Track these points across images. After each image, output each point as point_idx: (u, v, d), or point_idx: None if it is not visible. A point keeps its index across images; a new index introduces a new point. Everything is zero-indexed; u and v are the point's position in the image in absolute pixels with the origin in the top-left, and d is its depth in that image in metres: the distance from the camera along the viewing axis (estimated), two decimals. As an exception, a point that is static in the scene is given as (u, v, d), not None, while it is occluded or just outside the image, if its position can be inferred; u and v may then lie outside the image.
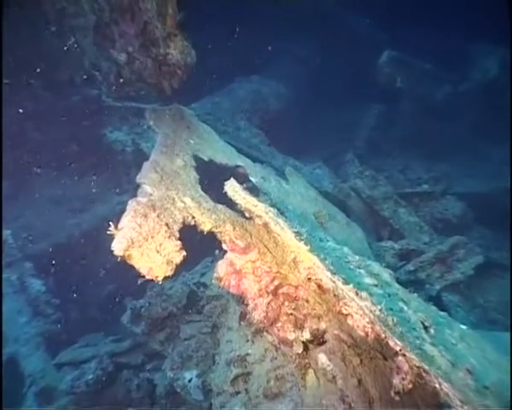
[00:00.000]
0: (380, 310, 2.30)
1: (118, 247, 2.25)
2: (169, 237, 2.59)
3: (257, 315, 3.49)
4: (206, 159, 4.15)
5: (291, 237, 2.75)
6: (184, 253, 2.60)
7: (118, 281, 6.11)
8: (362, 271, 3.35)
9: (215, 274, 3.43)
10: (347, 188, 7.57)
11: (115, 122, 7.32)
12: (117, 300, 5.88)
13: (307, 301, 3.35)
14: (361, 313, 2.26)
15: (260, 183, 4.49)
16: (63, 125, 6.88)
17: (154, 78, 4.01)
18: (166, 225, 2.66)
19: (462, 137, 8.76)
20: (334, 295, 2.39)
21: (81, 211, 6.98)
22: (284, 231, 2.83)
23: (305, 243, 2.71)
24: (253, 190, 4.70)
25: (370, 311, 2.26)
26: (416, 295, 3.68)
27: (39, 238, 6.32)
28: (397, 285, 3.66)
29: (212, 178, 3.96)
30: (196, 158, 4.02)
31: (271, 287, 3.46)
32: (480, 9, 10.53)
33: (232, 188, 3.24)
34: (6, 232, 5.90)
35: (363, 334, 2.29)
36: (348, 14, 11.70)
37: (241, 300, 3.93)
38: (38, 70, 6.40)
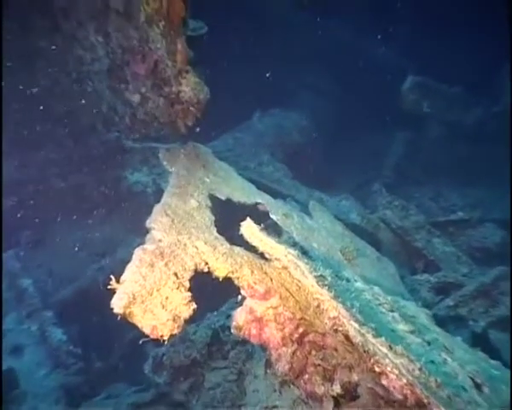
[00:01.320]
0: (420, 369, 1.97)
1: (117, 304, 2.03)
2: (177, 288, 2.35)
3: (281, 367, 3.17)
4: (223, 198, 3.94)
5: (313, 283, 2.47)
6: (194, 306, 2.35)
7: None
8: (395, 314, 3.00)
9: (234, 323, 3.16)
10: (376, 219, 7.23)
11: (135, 164, 7.31)
12: (139, 347, 5.63)
13: (336, 349, 3.02)
14: (397, 372, 1.94)
15: (282, 220, 4.24)
16: (84, 171, 6.91)
17: (167, 117, 3.89)
18: (175, 274, 2.44)
19: (497, 161, 8.31)
20: (364, 351, 2.08)
21: (103, 255, 6.89)
22: (305, 276, 2.56)
23: (329, 289, 2.42)
24: (275, 228, 4.47)
25: (408, 370, 1.93)
26: (459, 339, 3.28)
27: (61, 285, 6.23)
28: (437, 329, 3.28)
29: (229, 218, 3.73)
30: (212, 198, 3.83)
31: (296, 335, 3.14)
32: (504, 30, 10.25)
33: (248, 229, 3.00)
34: (27, 281, 5.84)
35: (400, 397, 1.95)
36: (369, 42, 11.62)
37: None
38: (63, 119, 6.49)
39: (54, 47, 4.75)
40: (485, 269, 6.27)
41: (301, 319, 3.09)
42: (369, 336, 2.11)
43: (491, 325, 5.31)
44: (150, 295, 2.18)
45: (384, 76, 10.10)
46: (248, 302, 3.21)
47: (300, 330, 3.13)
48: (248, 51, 10.45)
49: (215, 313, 5.50)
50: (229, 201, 4.02)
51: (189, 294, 2.39)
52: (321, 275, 2.70)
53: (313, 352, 3.15)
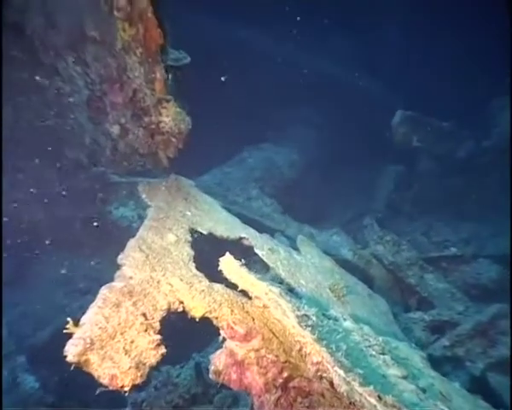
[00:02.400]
0: (412, 423, 1.74)
1: (71, 351, 1.80)
2: (145, 330, 2.13)
3: (264, 416, 2.90)
4: (204, 232, 3.75)
5: (294, 324, 2.25)
6: (164, 350, 2.11)
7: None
8: (387, 357, 2.77)
9: (212, 367, 2.90)
10: (368, 255, 7.04)
11: (121, 198, 7.12)
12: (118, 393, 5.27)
13: (323, 395, 2.76)
14: (387, 428, 1.71)
15: (267, 255, 4.04)
16: (68, 205, 6.70)
17: (147, 148, 3.74)
18: (144, 315, 2.22)
19: (490, 195, 8.23)
20: (350, 403, 1.85)
21: (85, 293, 6.58)
22: (287, 316, 2.34)
23: (312, 331, 2.20)
24: (262, 265, 4.26)
25: (399, 425, 1.71)
26: (457, 384, 3.04)
27: (38, 326, 5.89)
28: (432, 373, 3.04)
29: (211, 254, 3.53)
30: (193, 232, 3.63)
31: (280, 380, 2.88)
32: (493, 64, 10.43)
33: (228, 264, 2.80)
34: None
35: (392, 455, 1.71)
36: (359, 77, 11.78)
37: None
38: (47, 151, 6.35)
39: (37, 78, 4.65)
40: (481, 306, 6.04)
41: (286, 362, 2.84)
42: (356, 385, 1.88)
43: (490, 367, 5.04)
44: (112, 339, 1.95)
45: (374, 111, 10.18)
46: (228, 344, 2.97)
47: (285, 374, 2.87)
48: (238, 87, 10.52)
49: (201, 353, 5.21)
50: (211, 235, 3.83)
51: (159, 337, 2.16)
52: (304, 314, 2.49)
53: (299, 399, 2.89)
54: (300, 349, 2.26)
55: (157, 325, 2.24)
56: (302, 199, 8.77)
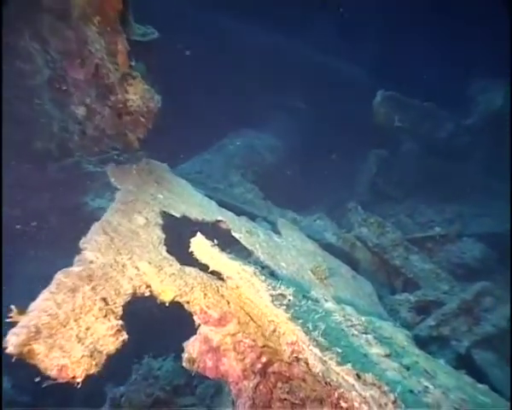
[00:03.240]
0: (393, 402, 1.59)
1: (12, 341, 1.61)
2: (104, 315, 1.95)
3: (242, 404, 2.75)
4: (177, 215, 3.57)
5: (267, 303, 2.09)
6: (125, 336, 1.94)
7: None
8: (369, 337, 2.64)
9: (186, 355, 2.74)
10: (352, 238, 6.93)
11: (97, 189, 6.86)
12: (98, 388, 5.08)
13: (304, 380, 2.62)
14: (366, 408, 1.56)
15: (245, 238, 3.87)
16: (40, 198, 6.42)
17: (114, 129, 3.52)
18: (104, 300, 2.03)
19: (473, 175, 8.19)
20: (326, 383, 1.70)
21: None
22: (259, 296, 2.18)
23: (288, 310, 2.05)
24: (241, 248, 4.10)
25: (380, 405, 1.56)
26: (442, 361, 2.92)
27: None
28: (417, 351, 2.92)
29: (185, 237, 3.35)
30: (165, 215, 3.45)
31: (259, 365, 2.73)
32: (475, 45, 10.38)
33: (199, 246, 2.62)
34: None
35: (372, 437, 1.57)
36: (341, 62, 11.65)
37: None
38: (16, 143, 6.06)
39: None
40: (465, 285, 6.01)
41: (264, 346, 2.69)
42: (333, 364, 1.73)
43: (475, 345, 5.00)
44: (63, 326, 1.77)
45: (358, 96, 10.04)
46: (203, 330, 2.81)
47: (264, 359, 2.72)
48: (221, 74, 10.31)
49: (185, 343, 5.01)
50: (185, 219, 3.64)
51: (119, 322, 1.98)
52: (280, 294, 2.33)
53: (279, 384, 2.74)
54: (274, 330, 2.11)
55: (119, 310, 2.06)
56: (284, 185, 8.61)
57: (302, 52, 11.24)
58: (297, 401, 2.64)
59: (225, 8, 11.12)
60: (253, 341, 2.67)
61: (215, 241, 2.78)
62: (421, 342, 5.20)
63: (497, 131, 7.53)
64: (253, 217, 7.03)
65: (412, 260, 6.52)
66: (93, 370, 1.75)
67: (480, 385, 2.57)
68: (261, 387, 2.75)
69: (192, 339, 2.79)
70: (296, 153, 9.64)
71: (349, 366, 1.75)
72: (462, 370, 3.20)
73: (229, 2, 10.94)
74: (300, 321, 2.02)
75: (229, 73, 10.27)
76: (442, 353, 5.16)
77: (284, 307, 2.10)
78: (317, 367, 1.75)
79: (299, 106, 10.61)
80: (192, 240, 2.72)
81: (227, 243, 4.05)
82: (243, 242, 3.82)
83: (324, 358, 1.77)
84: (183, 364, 2.71)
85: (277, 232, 4.87)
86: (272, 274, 3.62)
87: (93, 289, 2.08)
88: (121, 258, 2.50)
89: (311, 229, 7.29)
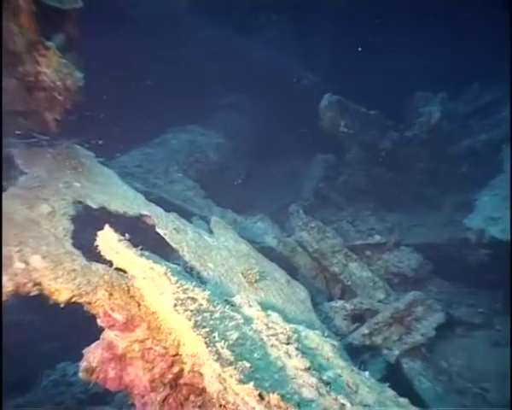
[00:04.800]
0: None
1: None
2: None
3: (147, 420, 2.46)
4: (94, 206, 3.22)
5: (168, 308, 1.83)
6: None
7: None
8: (291, 347, 2.43)
9: (84, 364, 2.41)
10: (293, 242, 6.80)
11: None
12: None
13: (219, 393, 2.37)
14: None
15: (171, 235, 3.58)
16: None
17: (24, 105, 3.12)
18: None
19: (413, 185, 8.35)
20: (220, 406, 1.47)
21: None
22: (162, 298, 1.91)
23: (190, 317, 1.79)
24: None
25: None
26: (367, 374, 2.77)
27: None
28: (341, 363, 2.75)
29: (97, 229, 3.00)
30: (79, 206, 3.09)
31: (169, 376, 2.45)
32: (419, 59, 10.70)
33: (105, 240, 2.31)
34: None
35: None
36: (294, 66, 11.61)
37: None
38: None
39: None
40: (400, 294, 6.05)
41: (176, 354, 2.42)
42: (233, 382, 1.50)
43: (404, 354, 5.00)
44: None
45: (308, 98, 10.00)
46: (107, 335, 2.49)
47: (175, 369, 2.44)
48: (170, 68, 9.95)
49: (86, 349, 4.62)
50: (103, 210, 3.30)
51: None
52: (191, 297, 2.07)
53: (191, 397, 2.47)
54: (174, 339, 1.84)
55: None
56: (228, 185, 8.38)
57: (255, 52, 11.09)
58: (209, 416, 2.39)
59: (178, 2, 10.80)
60: (165, 348, 2.39)
61: (126, 235, 2.48)
62: (354, 351, 5.16)
63: (434, 144, 7.70)
64: (192, 215, 6.75)
65: (351, 268, 6.48)
66: None
67: (400, 399, 2.44)
68: (171, 400, 2.47)
69: (93, 345, 2.47)
70: (243, 153, 9.45)
71: (251, 384, 1.52)
72: (391, 381, 3.11)
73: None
74: (206, 330, 1.77)
75: (178, 69, 9.93)
76: (373, 362, 5.12)
77: (190, 312, 1.84)
78: (213, 386, 1.51)
79: (248, 107, 10.41)
80: (99, 233, 2.40)
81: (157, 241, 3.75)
82: (168, 239, 3.53)
83: (224, 375, 1.54)
84: (80, 374, 2.39)
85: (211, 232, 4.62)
86: (198, 274, 3.36)
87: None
88: (8, 250, 2.14)
89: (252, 231, 7.10)
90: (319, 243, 6.57)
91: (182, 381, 2.47)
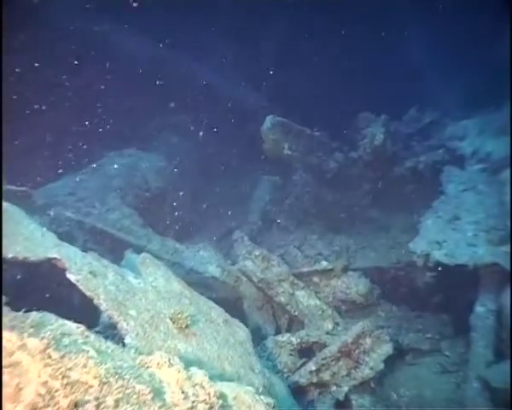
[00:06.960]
0: None
1: None
2: None
3: None
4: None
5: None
6: None
7: None
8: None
9: None
10: (237, 271, 6.45)
11: None
12: None
13: None
14: None
15: (85, 281, 3.11)
16: None
17: None
18: None
19: (359, 207, 8.25)
20: None
21: None
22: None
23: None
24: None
25: None
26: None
27: None
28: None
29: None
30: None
31: None
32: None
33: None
34: None
35: None
36: (241, 87, 11.43)
37: None
38: None
39: None
40: (349, 322, 5.84)
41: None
42: None
43: (353, 390, 4.74)
44: None
45: (254, 119, 9.80)
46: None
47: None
48: (108, 88, 9.44)
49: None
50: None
51: None
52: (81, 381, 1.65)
53: None
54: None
55: None
56: (170, 211, 7.93)
57: (199, 73, 10.80)
58: None
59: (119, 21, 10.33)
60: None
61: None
62: (301, 390, 4.84)
63: (379, 165, 7.66)
64: (128, 246, 6.25)
65: (298, 296, 6.20)
66: None
67: None
68: None
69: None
70: (186, 177, 9.04)
71: None
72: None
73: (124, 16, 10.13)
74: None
75: (116, 89, 9.44)
76: (322, 400, 4.84)
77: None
78: None
79: (191, 129, 10.04)
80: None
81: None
82: (81, 286, 3.06)
83: None
84: None
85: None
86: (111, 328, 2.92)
87: None
88: None
89: (194, 260, 6.70)
90: (264, 271, 6.25)
91: None
